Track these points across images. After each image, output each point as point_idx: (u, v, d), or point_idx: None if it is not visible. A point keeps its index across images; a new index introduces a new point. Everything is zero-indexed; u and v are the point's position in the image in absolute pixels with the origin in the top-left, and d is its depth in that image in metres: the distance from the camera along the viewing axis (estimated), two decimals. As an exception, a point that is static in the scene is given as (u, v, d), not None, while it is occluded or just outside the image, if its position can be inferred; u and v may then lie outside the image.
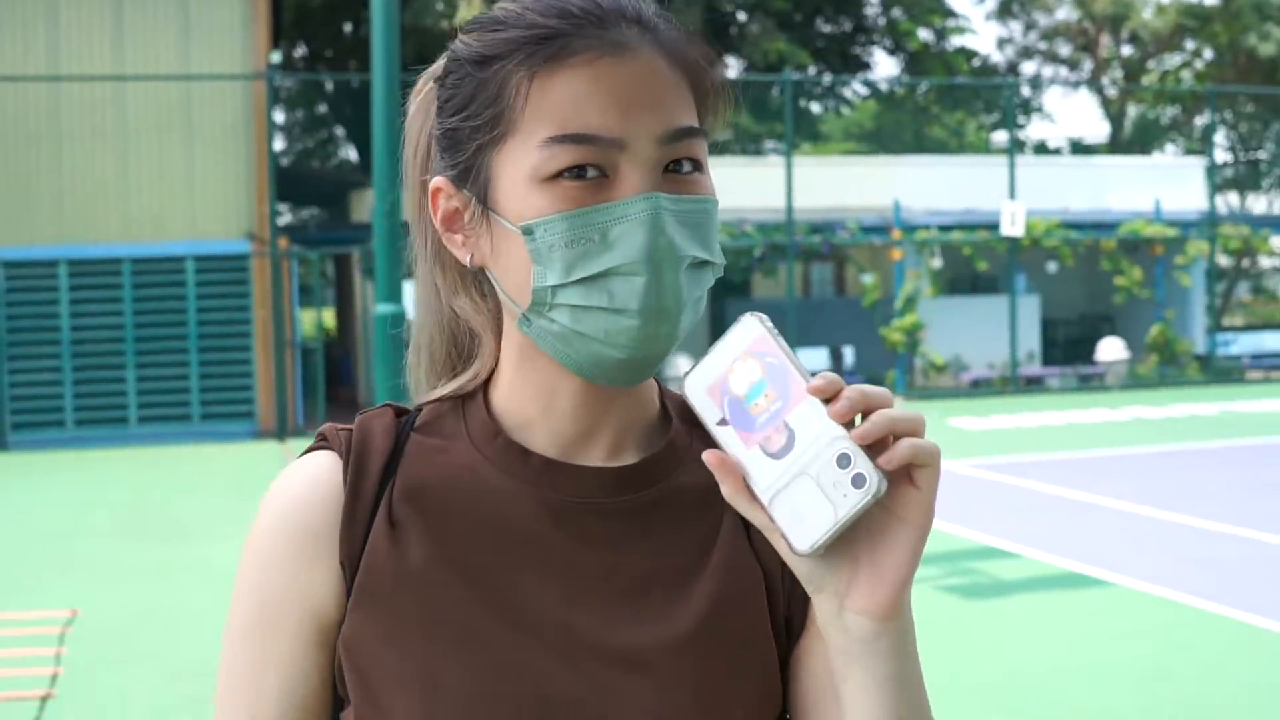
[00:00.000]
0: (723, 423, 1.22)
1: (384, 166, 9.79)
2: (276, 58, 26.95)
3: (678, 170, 1.33)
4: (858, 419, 1.18)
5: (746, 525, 1.40)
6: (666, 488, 1.41)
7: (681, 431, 1.45)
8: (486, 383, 1.46)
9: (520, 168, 1.31)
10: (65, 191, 21.24)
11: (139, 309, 21.26)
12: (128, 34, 21.55)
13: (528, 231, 1.31)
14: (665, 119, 1.32)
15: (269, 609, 1.39)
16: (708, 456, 1.20)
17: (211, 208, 21.73)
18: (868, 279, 26.01)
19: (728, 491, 1.20)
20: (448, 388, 1.48)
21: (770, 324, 1.23)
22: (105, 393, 21.21)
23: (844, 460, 1.17)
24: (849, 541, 1.21)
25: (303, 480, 1.42)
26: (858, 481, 1.17)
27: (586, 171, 1.30)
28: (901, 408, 1.19)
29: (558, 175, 1.30)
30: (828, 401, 1.18)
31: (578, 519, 1.38)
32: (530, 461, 1.40)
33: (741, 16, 36.65)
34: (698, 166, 1.34)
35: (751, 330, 1.23)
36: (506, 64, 1.32)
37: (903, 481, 1.19)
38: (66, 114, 21.27)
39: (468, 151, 1.35)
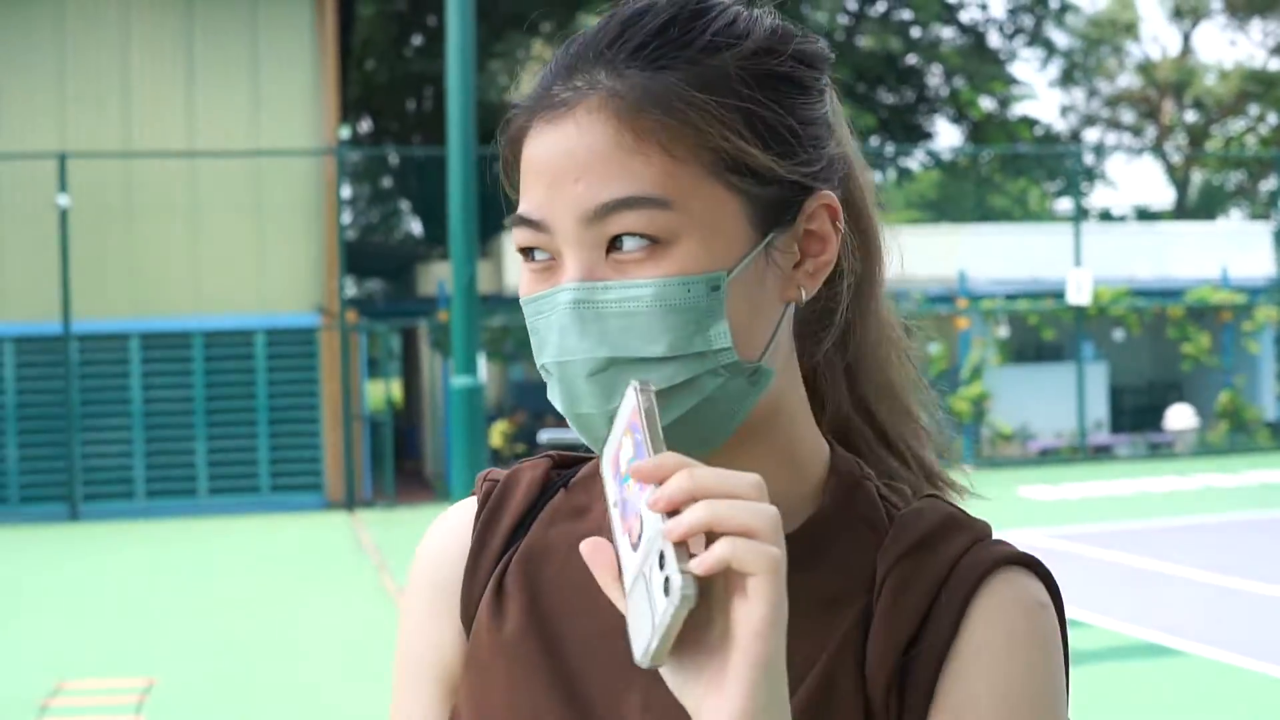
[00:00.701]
0: (616, 505, 1.08)
1: (461, 240, 9.85)
2: (345, 133, 27.26)
3: (620, 249, 1.14)
4: None
5: (865, 636, 1.19)
6: (791, 583, 1.14)
7: (831, 518, 1.24)
8: None
9: None
10: (138, 265, 21.51)
11: (209, 381, 21.46)
12: (199, 110, 21.87)
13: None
14: (591, 193, 1.14)
15: (410, 660, 1.34)
16: (581, 545, 1.07)
17: (281, 281, 21.95)
18: (933, 348, 25.94)
19: (601, 583, 1.06)
20: None
21: (645, 392, 1.08)
22: (175, 464, 21.38)
23: (662, 560, 1.00)
24: (703, 652, 1.03)
25: (441, 532, 1.37)
26: (667, 587, 0.99)
27: (534, 254, 1.19)
28: (754, 500, 1.01)
29: (525, 255, 1.20)
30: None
31: None
32: None
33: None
34: (643, 241, 1.14)
35: (629, 402, 1.09)
36: (510, 131, 1.23)
37: (738, 592, 1.00)
38: (139, 189, 21.57)
39: None
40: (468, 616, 1.31)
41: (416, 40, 36.49)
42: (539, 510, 1.33)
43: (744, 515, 1.00)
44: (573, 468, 1.37)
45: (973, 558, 1.19)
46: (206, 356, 21.44)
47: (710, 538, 1.00)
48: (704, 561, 0.98)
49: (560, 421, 25.55)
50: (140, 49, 21.73)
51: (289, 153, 21.90)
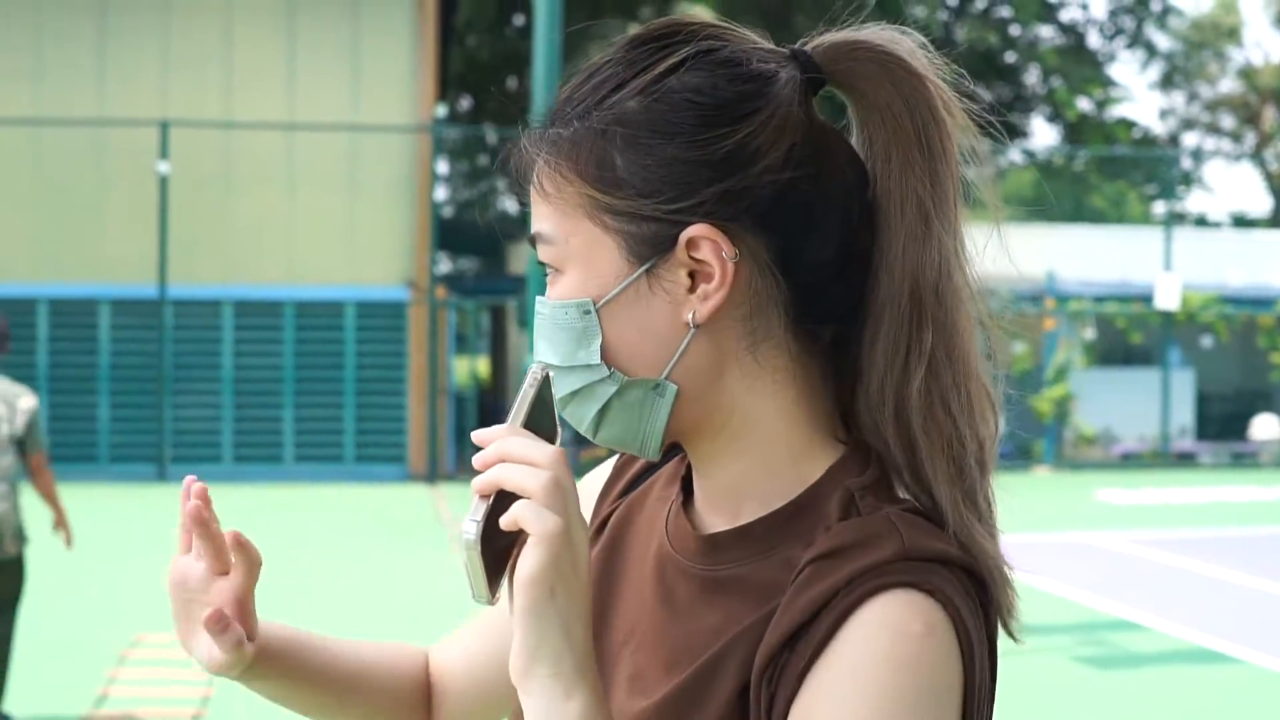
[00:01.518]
0: None
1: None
2: (442, 111, 27.49)
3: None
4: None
5: (765, 629, 1.28)
6: (741, 570, 1.34)
7: (792, 517, 1.34)
8: None
9: None
10: (233, 233, 21.87)
11: (299, 350, 21.79)
12: (299, 83, 22.19)
13: None
14: (532, 228, 1.36)
15: None
16: None
17: (373, 255, 22.23)
18: (1018, 347, 25.82)
19: None
20: None
21: (531, 372, 1.31)
22: (263, 430, 21.74)
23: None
24: None
25: (602, 468, 1.61)
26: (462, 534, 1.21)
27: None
28: (544, 469, 1.21)
29: None
30: None
31: (671, 575, 1.39)
32: (676, 505, 1.43)
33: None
34: (554, 269, 1.34)
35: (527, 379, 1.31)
36: None
37: (526, 547, 1.22)
38: (238, 159, 21.93)
39: None
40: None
41: (518, 20, 36.68)
42: (656, 469, 1.53)
43: (523, 477, 1.21)
44: None
45: (875, 572, 1.22)
46: (297, 326, 21.78)
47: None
48: (505, 519, 1.21)
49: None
50: (243, 21, 22.09)
51: (386, 128, 22.18)
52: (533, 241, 1.35)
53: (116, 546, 14.56)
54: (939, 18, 35.29)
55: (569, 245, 1.33)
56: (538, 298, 1.36)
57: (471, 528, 1.19)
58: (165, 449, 21.39)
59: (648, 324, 1.32)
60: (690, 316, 1.31)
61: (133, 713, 8.16)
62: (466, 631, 1.68)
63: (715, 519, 1.38)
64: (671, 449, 1.44)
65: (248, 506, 18.28)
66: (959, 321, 1.34)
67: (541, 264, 1.36)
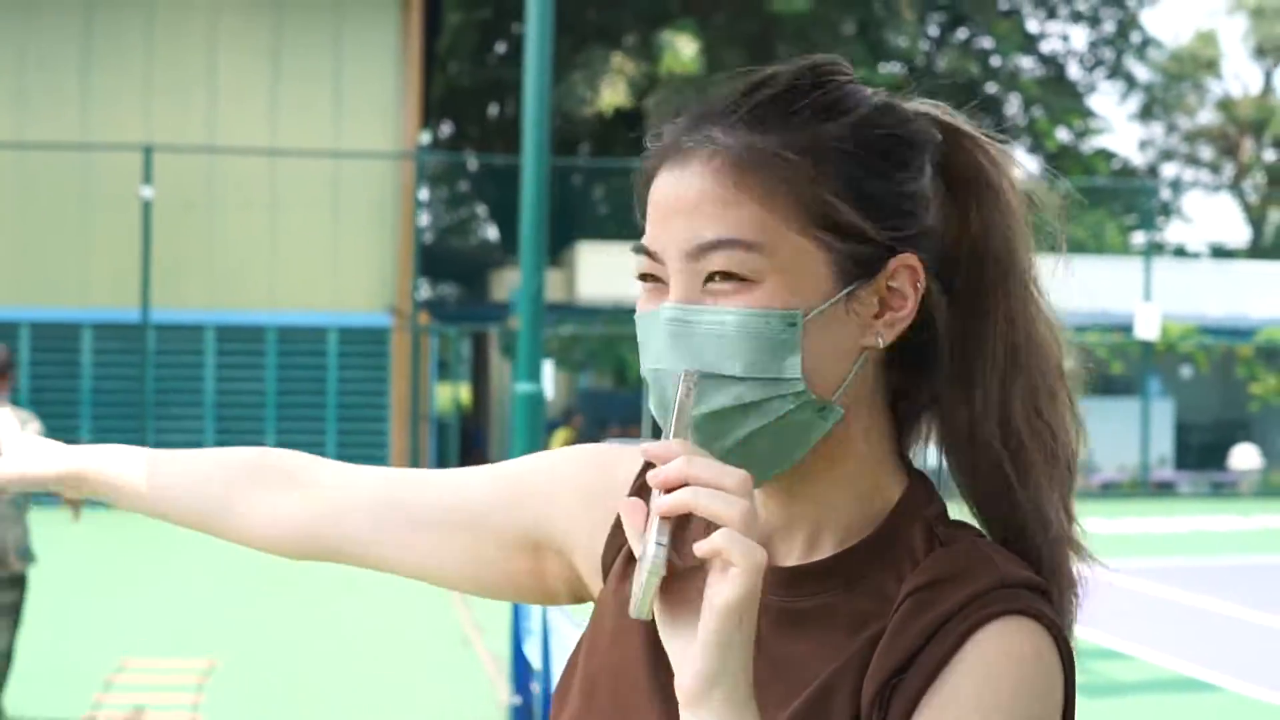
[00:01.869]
0: None
1: (531, 249, 9.93)
2: (425, 138, 27.52)
3: (715, 280, 1.29)
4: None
5: (870, 656, 1.30)
6: (826, 601, 1.35)
7: (876, 548, 1.36)
8: None
9: None
10: (217, 259, 21.88)
11: (281, 376, 21.79)
12: (283, 109, 22.24)
13: None
14: (695, 232, 1.28)
15: (525, 476, 1.59)
16: (620, 503, 1.24)
17: (355, 281, 22.26)
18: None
19: (629, 537, 1.22)
20: None
21: (684, 381, 1.26)
22: (245, 456, 21.68)
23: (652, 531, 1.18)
24: (696, 615, 1.20)
25: (632, 462, 1.54)
26: (645, 554, 1.17)
27: (647, 278, 1.33)
28: (735, 494, 1.17)
29: (642, 279, 1.35)
30: None
31: None
32: None
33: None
34: (732, 278, 1.28)
35: (678, 390, 1.26)
36: (644, 173, 1.37)
37: (718, 573, 1.17)
38: (221, 184, 21.95)
39: None
40: (609, 557, 1.51)
41: (500, 47, 36.74)
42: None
43: (719, 505, 1.16)
44: None
45: (983, 601, 1.26)
46: (280, 351, 21.78)
47: (712, 526, 1.17)
48: (702, 546, 1.16)
49: (625, 431, 25.68)
50: (227, 47, 22.15)
51: (369, 155, 22.23)
52: (710, 247, 1.29)
53: (100, 571, 14.54)
54: (920, 48, 35.44)
55: (776, 253, 1.28)
56: (707, 304, 1.29)
57: (659, 551, 1.16)
58: (147, 474, 21.31)
59: (837, 344, 1.31)
60: (877, 340, 1.32)
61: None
62: (409, 486, 1.66)
63: (785, 548, 1.39)
64: None
65: (230, 532, 18.23)
66: (1048, 350, 1.42)
67: (726, 274, 1.29)
